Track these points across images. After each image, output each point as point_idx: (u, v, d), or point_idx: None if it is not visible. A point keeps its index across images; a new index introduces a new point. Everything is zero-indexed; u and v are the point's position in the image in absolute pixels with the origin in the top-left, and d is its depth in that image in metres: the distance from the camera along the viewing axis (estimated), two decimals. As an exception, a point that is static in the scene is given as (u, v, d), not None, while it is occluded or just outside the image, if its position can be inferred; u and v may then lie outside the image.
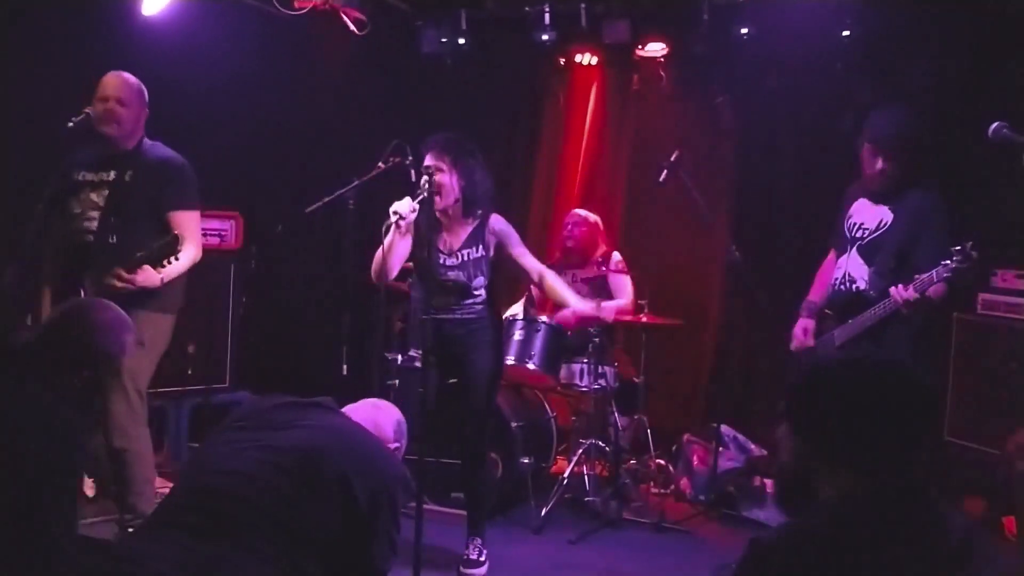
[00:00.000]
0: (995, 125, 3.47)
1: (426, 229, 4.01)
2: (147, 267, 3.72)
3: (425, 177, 3.92)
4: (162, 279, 3.83)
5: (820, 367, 1.89)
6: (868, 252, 4.19)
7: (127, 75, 4.14)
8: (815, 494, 1.79)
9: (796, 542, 1.69)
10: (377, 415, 2.73)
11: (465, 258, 4.13)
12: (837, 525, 1.69)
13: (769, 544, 1.70)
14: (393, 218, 3.80)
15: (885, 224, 4.16)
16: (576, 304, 4.25)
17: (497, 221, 4.19)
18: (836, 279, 4.29)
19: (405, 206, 3.81)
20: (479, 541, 4.27)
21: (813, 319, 4.40)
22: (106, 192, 4.01)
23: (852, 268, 4.22)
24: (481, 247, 4.14)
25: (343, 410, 2.68)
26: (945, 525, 1.69)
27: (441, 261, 4.14)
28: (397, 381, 4.78)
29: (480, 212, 4.14)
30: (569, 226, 5.77)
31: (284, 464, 2.29)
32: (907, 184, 4.15)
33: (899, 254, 4.07)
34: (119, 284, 3.71)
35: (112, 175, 4.04)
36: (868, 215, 4.23)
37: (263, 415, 2.50)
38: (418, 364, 4.15)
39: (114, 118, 4.01)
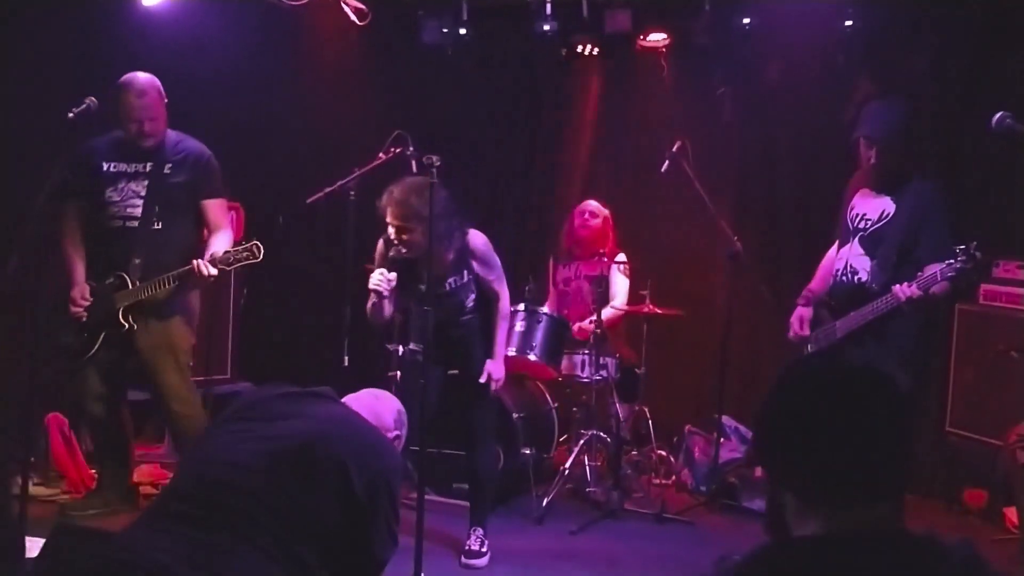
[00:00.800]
0: (998, 115, 3.47)
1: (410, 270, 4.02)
2: (217, 261, 4.20)
3: (392, 232, 3.92)
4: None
5: (783, 385, 1.52)
6: (870, 243, 4.19)
7: (145, 83, 4.29)
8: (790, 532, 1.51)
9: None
10: (377, 405, 2.73)
11: (453, 285, 4.14)
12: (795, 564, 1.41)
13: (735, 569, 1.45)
14: (374, 297, 3.96)
15: (887, 215, 4.15)
16: (490, 362, 4.20)
17: (476, 240, 4.14)
18: (838, 270, 4.29)
19: (383, 281, 3.92)
20: (480, 531, 4.28)
21: (810, 308, 4.41)
22: (146, 182, 4.34)
23: (854, 259, 4.22)
24: (466, 272, 4.14)
25: (344, 400, 2.68)
26: (939, 563, 1.42)
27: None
28: (399, 372, 4.78)
29: (456, 237, 4.06)
30: (585, 214, 5.75)
31: (284, 454, 2.29)
32: (909, 175, 4.15)
33: (901, 247, 4.07)
34: (207, 272, 4.17)
35: (148, 167, 4.36)
36: (870, 206, 4.23)
37: (263, 405, 2.50)
38: (420, 357, 4.15)
39: (149, 133, 4.33)
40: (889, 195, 4.16)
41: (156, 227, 4.35)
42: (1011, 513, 4.60)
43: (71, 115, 3.97)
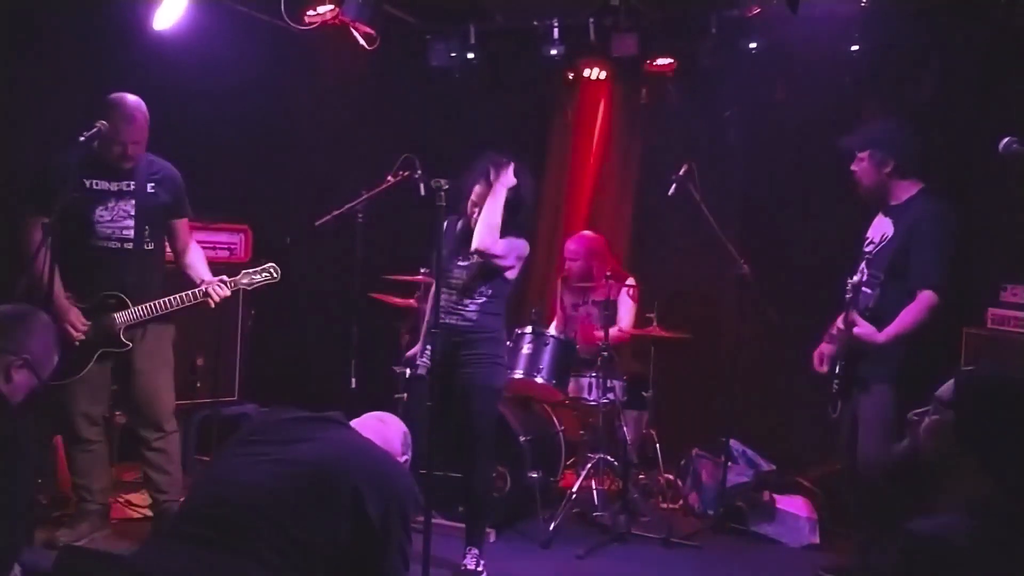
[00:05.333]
0: (1006, 140, 3.46)
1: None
2: (228, 283, 4.38)
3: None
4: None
5: (1005, 383, 2.06)
6: (875, 266, 4.20)
7: (133, 107, 4.25)
8: (928, 487, 1.98)
9: (951, 535, 1.85)
10: (385, 429, 2.73)
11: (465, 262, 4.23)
12: (989, 521, 1.86)
13: (925, 535, 1.87)
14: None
15: (887, 237, 4.17)
16: None
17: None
18: (848, 296, 4.28)
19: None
20: (476, 551, 4.27)
21: (832, 345, 4.40)
22: (133, 201, 4.32)
23: (864, 284, 4.22)
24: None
25: (350, 424, 2.68)
26: None
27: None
28: (405, 394, 4.78)
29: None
30: (567, 255, 5.76)
31: (296, 478, 2.30)
32: (913, 196, 4.15)
33: (891, 265, 4.08)
34: (222, 295, 4.34)
35: (131, 185, 4.32)
36: (876, 229, 4.24)
37: (275, 428, 2.51)
38: (421, 372, 4.18)
39: (132, 156, 4.30)
40: (891, 216, 4.18)
41: (148, 247, 4.37)
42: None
43: (82, 139, 3.99)
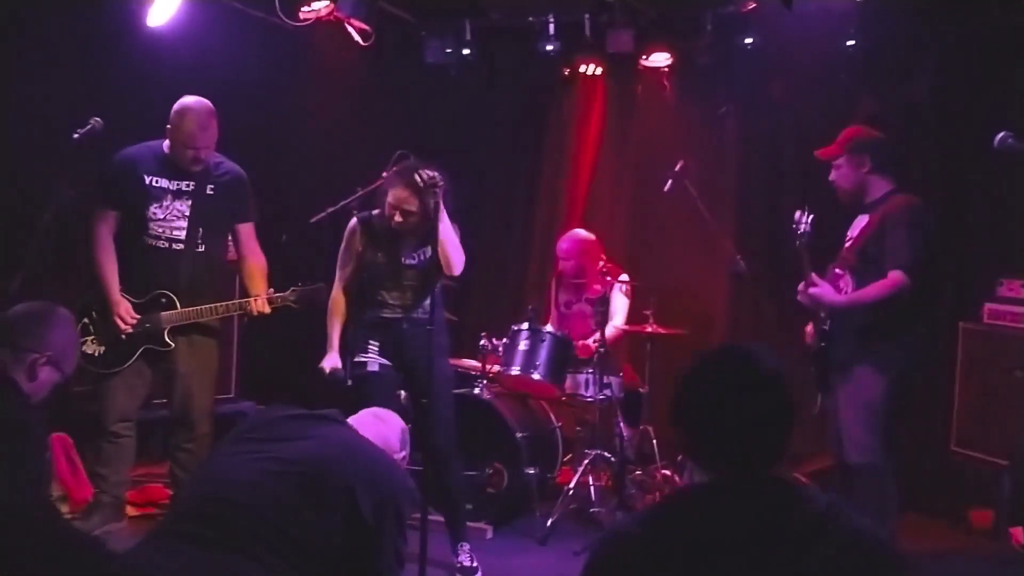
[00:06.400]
0: (1001, 135, 3.47)
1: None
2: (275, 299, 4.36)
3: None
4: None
5: (689, 367, 1.87)
6: (852, 256, 4.21)
7: (207, 114, 4.30)
8: None
9: (640, 532, 1.70)
10: (383, 427, 2.73)
11: (418, 259, 4.20)
12: (672, 516, 1.71)
13: (619, 532, 1.76)
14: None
15: (861, 228, 4.19)
16: None
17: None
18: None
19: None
20: (467, 545, 4.27)
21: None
22: (189, 202, 4.32)
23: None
24: (431, 248, 4.14)
25: (348, 421, 2.68)
26: (799, 504, 1.65)
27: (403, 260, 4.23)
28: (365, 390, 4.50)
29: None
30: (560, 254, 5.74)
31: (291, 476, 2.29)
32: (887, 193, 4.17)
33: (864, 252, 4.09)
34: (260, 311, 4.32)
35: (191, 185, 4.33)
36: (855, 226, 4.26)
37: (271, 426, 2.51)
38: (372, 368, 4.20)
39: (201, 161, 4.32)
40: (867, 212, 4.20)
41: (200, 249, 4.37)
42: (1017, 533, 4.58)
43: (76, 136, 4.00)
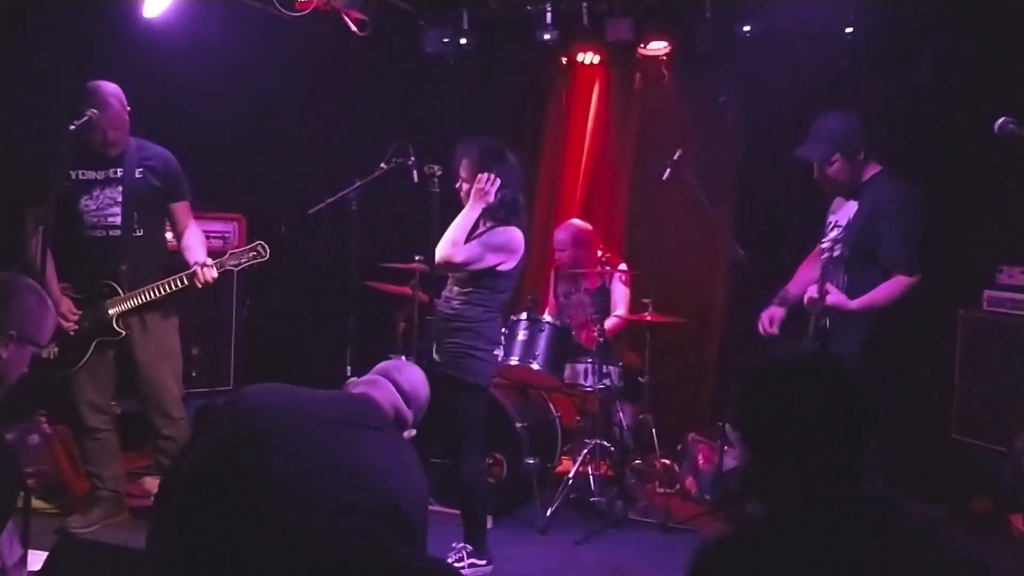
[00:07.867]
0: (1001, 120, 3.45)
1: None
2: (215, 265, 4.30)
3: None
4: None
5: (756, 371, 1.84)
6: (845, 246, 4.18)
7: (108, 94, 4.23)
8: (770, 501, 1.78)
9: (741, 546, 1.67)
10: (411, 382, 2.57)
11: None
12: (773, 532, 1.66)
13: (718, 544, 1.69)
14: None
15: (851, 217, 4.16)
16: None
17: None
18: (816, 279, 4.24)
19: None
20: (464, 547, 4.17)
21: (783, 309, 4.37)
22: (120, 188, 4.32)
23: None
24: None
25: (361, 386, 2.52)
26: (899, 522, 1.64)
27: None
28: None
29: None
30: (556, 245, 5.74)
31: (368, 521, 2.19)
32: (874, 176, 4.14)
33: (857, 243, 4.06)
34: (210, 277, 4.26)
35: (119, 172, 4.33)
36: (842, 212, 4.23)
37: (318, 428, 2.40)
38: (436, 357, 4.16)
39: (114, 143, 4.30)
40: (855, 198, 4.17)
41: (138, 234, 4.37)
42: (1017, 520, 4.58)
43: (72, 127, 3.99)
